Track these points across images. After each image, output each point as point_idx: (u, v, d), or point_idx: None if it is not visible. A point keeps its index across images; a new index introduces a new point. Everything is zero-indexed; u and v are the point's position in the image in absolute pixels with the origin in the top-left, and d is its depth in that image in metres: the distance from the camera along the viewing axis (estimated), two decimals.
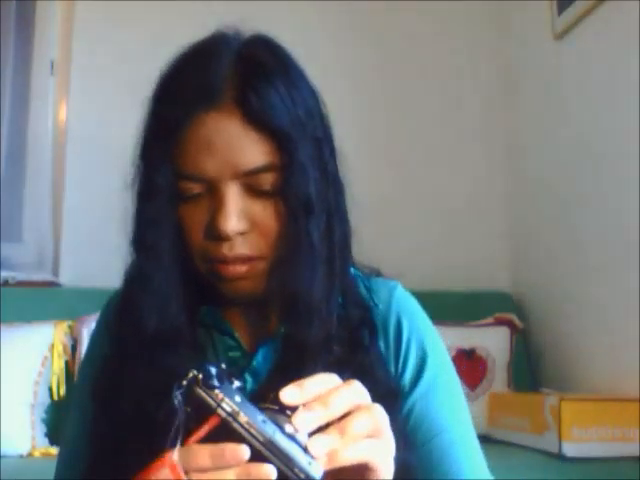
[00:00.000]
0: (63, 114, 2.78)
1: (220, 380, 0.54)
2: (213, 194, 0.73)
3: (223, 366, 0.55)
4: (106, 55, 2.73)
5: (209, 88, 0.72)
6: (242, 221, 0.73)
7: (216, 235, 0.73)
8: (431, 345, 0.84)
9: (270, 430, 0.52)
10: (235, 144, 0.72)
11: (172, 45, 0.80)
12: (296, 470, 0.52)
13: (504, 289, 2.78)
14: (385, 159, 2.86)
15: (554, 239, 2.58)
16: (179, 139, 0.72)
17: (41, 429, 2.18)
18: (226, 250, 0.73)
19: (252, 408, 0.53)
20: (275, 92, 0.73)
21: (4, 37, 2.75)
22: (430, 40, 2.96)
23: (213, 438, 0.52)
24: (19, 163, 2.73)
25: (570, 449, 1.88)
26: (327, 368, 0.72)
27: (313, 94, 0.79)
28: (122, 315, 0.79)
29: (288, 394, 0.54)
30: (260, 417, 0.52)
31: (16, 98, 2.76)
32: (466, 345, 2.46)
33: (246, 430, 0.52)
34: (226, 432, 0.52)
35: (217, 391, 0.53)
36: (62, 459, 0.86)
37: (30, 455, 2.11)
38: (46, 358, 2.24)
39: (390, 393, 0.77)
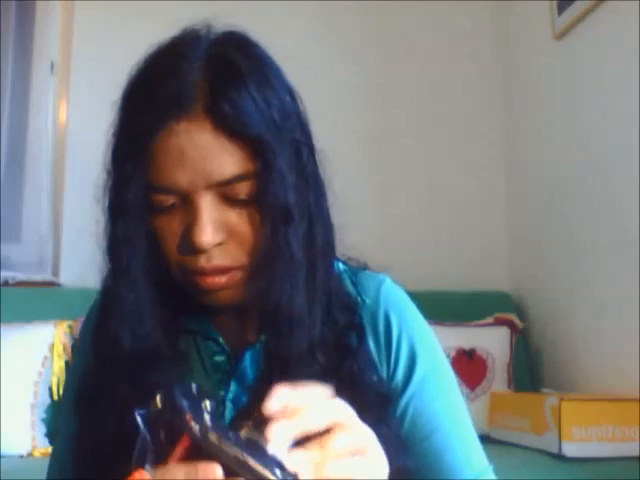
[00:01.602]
0: (63, 114, 2.78)
1: (190, 400, 0.53)
2: (187, 205, 0.70)
3: (194, 387, 0.54)
4: (106, 55, 2.73)
5: (179, 95, 0.69)
6: (218, 232, 0.70)
7: (192, 248, 0.70)
8: (421, 339, 0.81)
9: (241, 447, 0.52)
10: (208, 154, 0.68)
11: None
12: None
13: (504, 289, 2.78)
14: (384, 159, 2.86)
15: (554, 239, 2.58)
16: (150, 150, 0.69)
17: (41, 429, 2.18)
18: (203, 262, 0.70)
19: (223, 426, 0.53)
20: (248, 96, 0.69)
21: (4, 37, 2.75)
22: (430, 40, 2.96)
23: (192, 457, 0.52)
24: (19, 163, 2.73)
25: (570, 449, 1.88)
26: (312, 377, 0.72)
27: (289, 92, 0.75)
28: (99, 329, 0.77)
29: (272, 404, 0.53)
30: (232, 434, 0.52)
31: (16, 98, 2.76)
32: (466, 345, 2.46)
33: (216, 448, 0.52)
34: (201, 451, 0.52)
35: (185, 411, 0.52)
36: (52, 464, 0.85)
37: (30, 455, 2.11)
38: (46, 358, 2.24)
39: (381, 397, 0.75)
